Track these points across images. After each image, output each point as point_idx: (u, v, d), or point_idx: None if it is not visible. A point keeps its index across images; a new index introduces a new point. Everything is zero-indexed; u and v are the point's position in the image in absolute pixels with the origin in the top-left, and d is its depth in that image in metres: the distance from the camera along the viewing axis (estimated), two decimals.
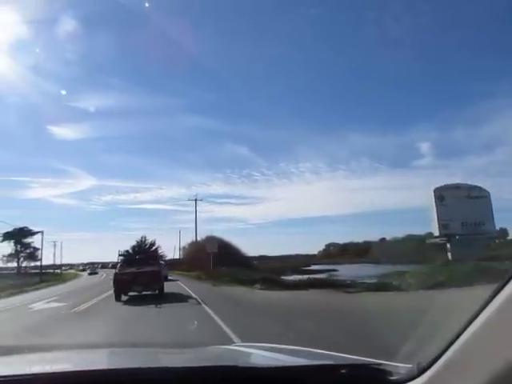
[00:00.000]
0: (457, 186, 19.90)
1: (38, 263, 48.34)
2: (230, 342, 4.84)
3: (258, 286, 16.54)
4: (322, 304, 10.57)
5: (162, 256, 37.11)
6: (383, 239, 44.20)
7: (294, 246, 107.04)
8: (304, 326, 6.44)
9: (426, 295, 9.83)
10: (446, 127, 62.52)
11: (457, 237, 19.08)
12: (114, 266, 25.58)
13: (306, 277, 18.38)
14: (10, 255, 52.69)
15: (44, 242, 46.80)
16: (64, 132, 79.95)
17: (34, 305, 13.83)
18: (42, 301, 15.30)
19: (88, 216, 78.21)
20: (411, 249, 29.18)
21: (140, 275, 13.38)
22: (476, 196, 19.39)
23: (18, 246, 52.41)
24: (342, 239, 64.30)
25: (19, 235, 50.36)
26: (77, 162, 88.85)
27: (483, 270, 11.15)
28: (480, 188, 19.88)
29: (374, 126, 65.64)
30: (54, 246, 54.46)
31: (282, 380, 1.17)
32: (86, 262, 73.20)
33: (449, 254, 19.20)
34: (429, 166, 56.07)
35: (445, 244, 19.89)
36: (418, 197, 67.19)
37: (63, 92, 50.38)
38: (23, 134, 64.43)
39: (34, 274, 43.18)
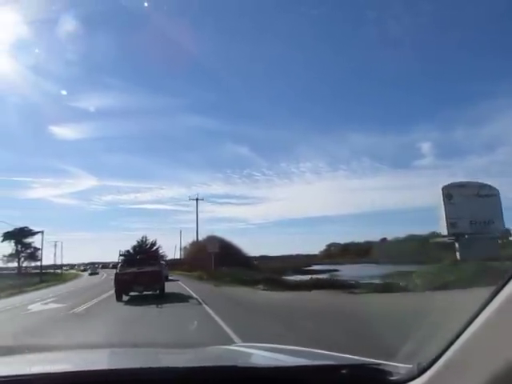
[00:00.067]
0: (465, 185, 19.77)
1: (39, 263, 48.86)
2: (232, 343, 4.86)
3: (260, 286, 16.55)
4: (327, 305, 10.41)
5: (162, 256, 37.42)
6: (384, 239, 44.76)
7: (295, 246, 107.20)
8: (315, 330, 6.21)
9: (436, 296, 9.58)
10: (447, 127, 63.14)
11: (466, 236, 18.96)
12: (114, 265, 25.72)
13: (308, 277, 18.38)
14: (11, 255, 53.19)
15: (45, 242, 47.38)
16: (65, 132, 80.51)
17: (32, 306, 13.86)
18: (40, 302, 15.35)
19: (89, 216, 78.95)
20: (413, 249, 29.19)
21: (141, 275, 13.48)
22: (485, 194, 19.26)
23: (19, 246, 52.86)
24: (342, 239, 65.05)
25: (20, 235, 50.81)
26: (77, 162, 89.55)
27: (494, 271, 11.01)
28: (489, 186, 19.74)
29: (374, 125, 66.56)
30: (55, 246, 54.95)
31: (282, 380, 1.19)
32: (86, 262, 73.86)
33: (457, 254, 19.09)
34: (430, 166, 56.95)
35: (453, 243, 19.78)
36: (419, 197, 67.81)
37: (64, 92, 50.78)
38: (24, 134, 65.07)
39: (34, 274, 43.57)
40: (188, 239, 49.44)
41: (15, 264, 53.46)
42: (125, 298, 13.59)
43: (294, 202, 72.57)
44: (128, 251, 21.99)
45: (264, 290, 15.70)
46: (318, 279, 16.57)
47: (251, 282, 18.14)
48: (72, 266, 71.92)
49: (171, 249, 66.86)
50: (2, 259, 53.23)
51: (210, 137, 73.45)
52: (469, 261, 14.86)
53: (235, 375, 1.20)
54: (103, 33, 43.63)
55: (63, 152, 75.64)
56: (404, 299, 10.49)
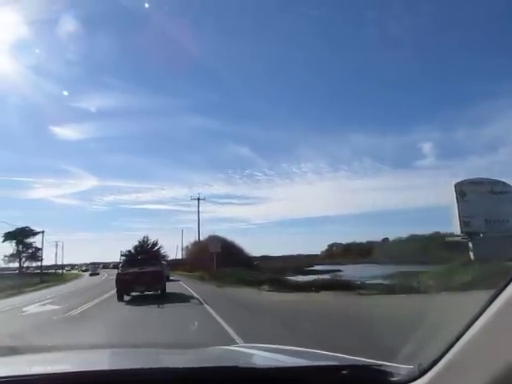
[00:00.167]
0: (479, 181, 19.52)
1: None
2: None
3: (265, 287, 16.49)
4: (342, 308, 9.93)
5: (164, 256, 37.66)
6: (386, 239, 45.16)
7: (296, 246, 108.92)
8: (338, 338, 5.71)
9: (457, 298, 8.80)
10: (448, 127, 63.40)
11: (481, 234, 18.75)
12: (115, 266, 26.00)
13: (313, 277, 18.36)
14: (12, 255, 53.99)
15: (46, 243, 48.20)
16: (66, 132, 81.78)
17: (27, 307, 13.79)
18: (37, 303, 15.34)
19: (90, 216, 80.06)
20: (416, 249, 29.06)
21: (142, 275, 13.64)
22: (500, 191, 19.01)
23: (20, 247, 53.62)
24: (344, 239, 65.33)
25: (20, 235, 51.53)
26: (79, 163, 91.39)
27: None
28: (504, 183, 19.48)
29: (375, 126, 67.60)
30: (56, 246, 55.64)
31: (282, 381, 1.22)
32: (88, 262, 74.76)
33: (470, 254, 18.92)
34: (431, 167, 58.33)
35: (466, 243, 19.59)
36: (420, 197, 68.12)
37: (65, 92, 51.69)
38: (25, 135, 66.53)
39: (35, 275, 44.20)
40: (189, 239, 49.89)
41: (16, 264, 54.38)
42: (125, 298, 13.72)
43: (296, 202, 73.50)
44: (129, 251, 22.21)
45: (270, 291, 15.63)
46: (324, 280, 16.48)
47: (255, 283, 18.07)
48: (73, 267, 72.78)
49: (172, 249, 67.45)
50: (3, 259, 54.11)
51: (211, 137, 74.55)
52: (484, 261, 14.69)
53: (236, 376, 1.23)
54: (104, 33, 44.49)
55: (64, 152, 76.80)
56: (421, 301, 9.60)
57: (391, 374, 1.13)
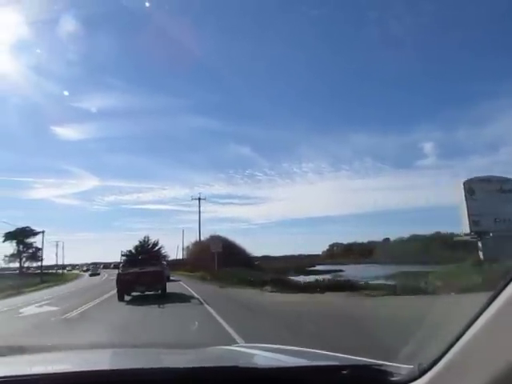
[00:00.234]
0: (488, 179, 19.37)
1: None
2: None
3: (268, 288, 16.48)
4: (354, 311, 9.51)
5: (164, 256, 37.87)
6: (387, 239, 45.36)
7: (297, 246, 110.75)
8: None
9: (471, 299, 7.80)
10: (449, 127, 64.59)
11: (490, 234, 18.62)
12: (116, 266, 26.17)
13: (316, 278, 18.38)
14: (12, 255, 54.46)
15: (46, 243, 48.66)
16: (67, 132, 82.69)
17: (25, 308, 13.79)
18: (36, 303, 15.36)
19: (91, 216, 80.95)
20: (417, 249, 28.97)
21: (143, 275, 13.76)
22: (509, 190, 18.87)
23: (20, 247, 54.08)
24: (345, 239, 65.90)
25: (21, 235, 51.98)
26: (80, 163, 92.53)
27: None
28: None
29: (376, 126, 68.21)
30: (57, 246, 56.17)
31: (283, 381, 1.24)
32: (89, 262, 75.31)
33: (480, 254, 18.80)
34: (432, 166, 59.08)
35: (476, 242, 19.48)
36: (421, 197, 68.11)
37: (66, 92, 52.19)
38: (26, 135, 67.38)
39: (35, 275, 44.63)
40: (190, 239, 50.11)
41: (17, 264, 54.89)
42: (126, 298, 13.82)
43: (297, 202, 74.03)
44: (130, 251, 22.39)
45: (273, 291, 15.61)
46: (328, 280, 16.61)
47: (258, 283, 18.06)
48: (74, 267, 73.34)
49: (173, 249, 67.75)
50: (3, 259, 54.61)
51: (212, 137, 75.38)
52: (494, 261, 14.60)
53: (236, 376, 1.25)
54: (105, 33, 44.85)
55: (65, 152, 77.73)
56: (432, 302, 9.21)
57: (391, 374, 1.15)
